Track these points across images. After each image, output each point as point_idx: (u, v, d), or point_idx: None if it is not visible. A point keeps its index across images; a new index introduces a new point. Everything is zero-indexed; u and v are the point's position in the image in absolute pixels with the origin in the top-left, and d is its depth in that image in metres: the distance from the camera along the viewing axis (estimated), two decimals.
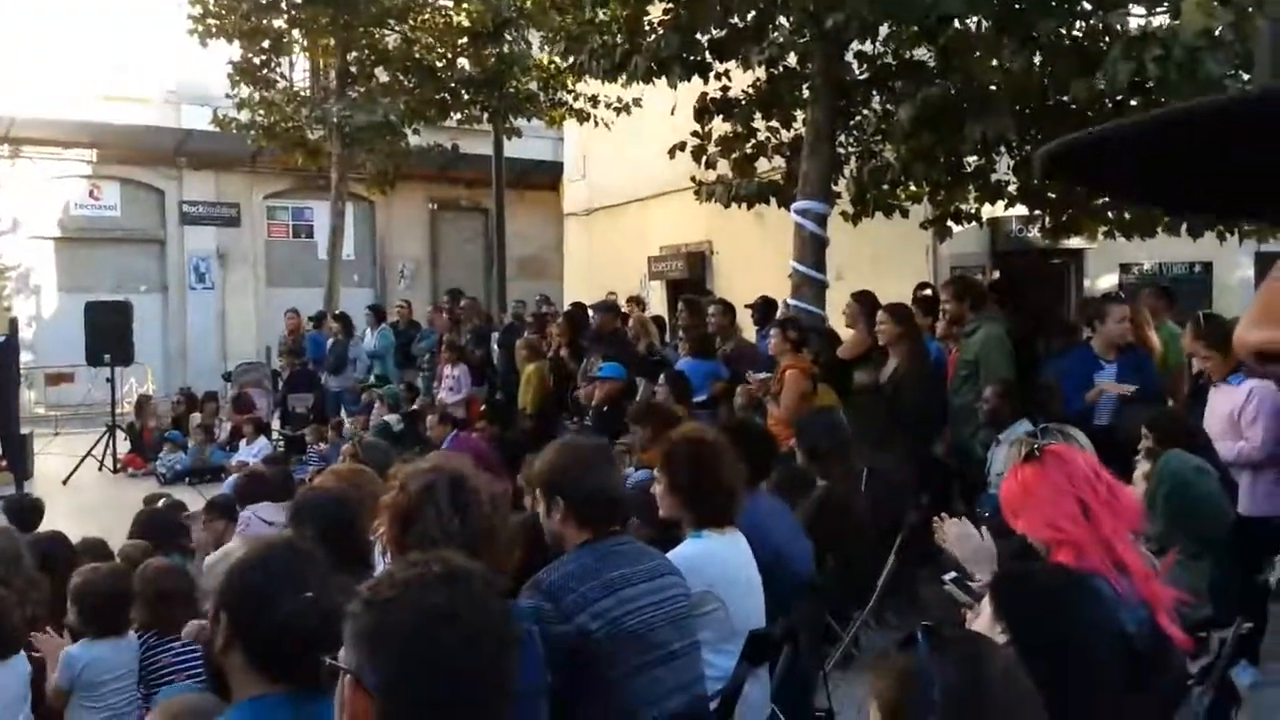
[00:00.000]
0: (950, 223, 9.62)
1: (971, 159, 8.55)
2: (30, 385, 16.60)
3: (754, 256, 13.09)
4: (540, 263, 23.20)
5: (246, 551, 2.03)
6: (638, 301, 11.44)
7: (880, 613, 5.55)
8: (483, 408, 10.48)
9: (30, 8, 18.67)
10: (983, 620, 2.17)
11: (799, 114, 9.36)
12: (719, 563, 3.21)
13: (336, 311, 14.90)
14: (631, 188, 16.83)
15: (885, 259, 11.06)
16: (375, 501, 2.58)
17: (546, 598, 2.64)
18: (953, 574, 2.96)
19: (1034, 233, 11.01)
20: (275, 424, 14.12)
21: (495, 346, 12.50)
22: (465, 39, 16.56)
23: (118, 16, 19.23)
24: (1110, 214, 9.22)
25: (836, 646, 5.13)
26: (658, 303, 15.64)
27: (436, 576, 1.40)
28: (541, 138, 20.36)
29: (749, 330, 9.59)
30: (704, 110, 9.76)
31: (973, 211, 9.65)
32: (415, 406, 11.38)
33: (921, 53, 8.41)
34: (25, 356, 15.10)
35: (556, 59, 13.77)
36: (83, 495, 11.63)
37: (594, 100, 15.70)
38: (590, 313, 10.39)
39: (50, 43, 18.86)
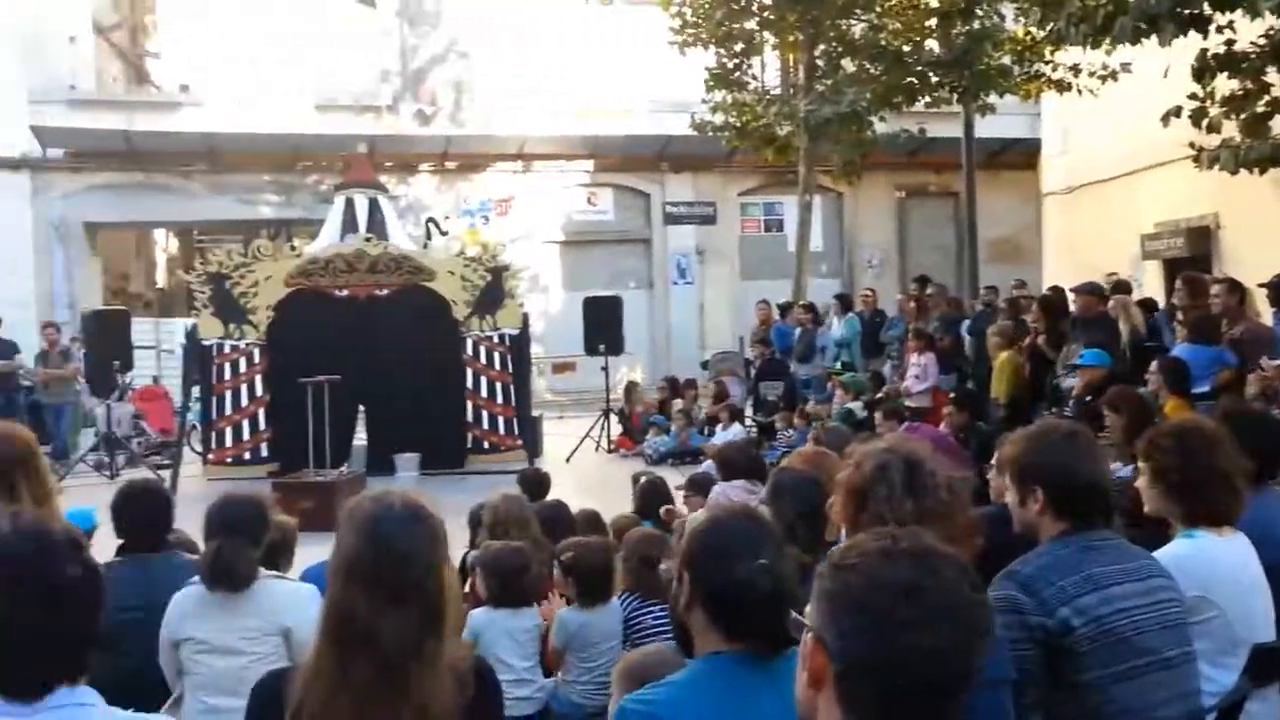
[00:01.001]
0: None
1: None
2: (540, 373, 18.66)
3: (1271, 228, 11.53)
4: (1015, 246, 22.09)
5: (706, 516, 2.14)
6: (1121, 287, 10.50)
7: None
8: (950, 396, 10.19)
9: (532, 38, 21.06)
10: None
11: None
12: (1214, 565, 2.84)
13: (804, 302, 15.22)
14: (1119, 160, 15.50)
15: None
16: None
17: (1021, 589, 2.50)
18: None
19: None
20: (748, 410, 14.72)
21: (965, 334, 12.13)
22: (933, 20, 16.17)
23: (606, 36, 21.12)
24: None
25: None
26: (1155, 286, 14.27)
27: (902, 550, 1.39)
28: (1015, 115, 19.33)
29: (1265, 313, 8.42)
30: (1204, 68, 8.73)
31: None
32: (879, 394, 11.34)
33: None
34: (535, 348, 17.03)
35: (1032, 29, 13.00)
36: (581, 472, 12.88)
37: (1075, 69, 14.66)
38: (1070, 296, 9.71)
39: (550, 66, 21.14)
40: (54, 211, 19.97)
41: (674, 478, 8.52)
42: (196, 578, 3.58)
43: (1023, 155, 21.37)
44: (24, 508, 3.37)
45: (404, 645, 1.93)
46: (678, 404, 15.01)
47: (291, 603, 3.60)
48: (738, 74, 17.39)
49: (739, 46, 17.19)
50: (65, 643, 1.78)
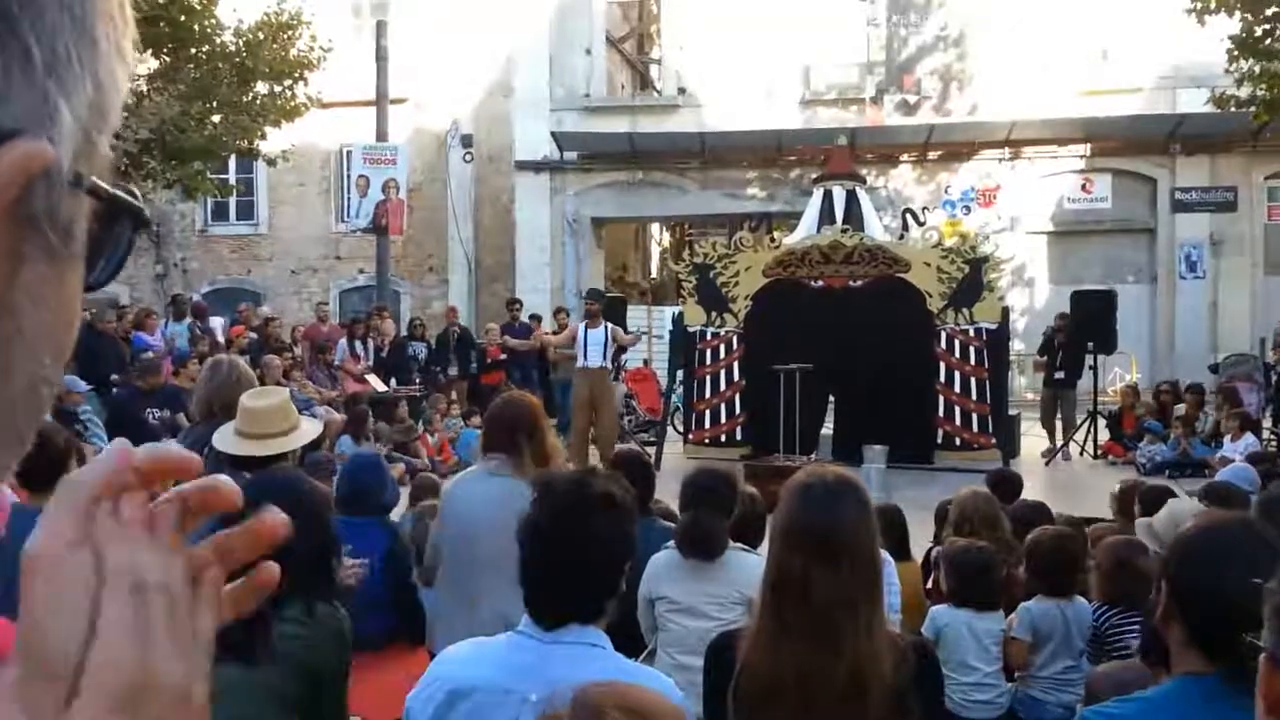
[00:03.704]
0: None
1: None
2: (1021, 371, 17.77)
3: None
4: None
5: (1195, 524, 1.93)
6: None
7: None
8: None
9: (1031, 17, 19.94)
10: None
11: None
12: None
13: None
14: None
15: None
16: None
17: None
18: None
19: None
20: (1266, 422, 13.00)
21: None
22: None
23: (1104, 10, 19.54)
24: None
25: None
26: None
27: None
28: None
29: None
30: None
31: None
32: None
33: None
34: (1017, 344, 16.25)
35: None
36: (1062, 477, 12.11)
37: None
38: None
39: (1050, 45, 19.92)
40: (568, 208, 22.39)
41: None
42: (671, 542, 3.84)
43: None
44: (526, 464, 3.84)
45: (836, 601, 2.09)
46: (1179, 410, 13.60)
47: (756, 575, 3.73)
48: (1270, 40, 15.32)
49: (1271, 10, 15.13)
50: (587, 588, 2.05)
